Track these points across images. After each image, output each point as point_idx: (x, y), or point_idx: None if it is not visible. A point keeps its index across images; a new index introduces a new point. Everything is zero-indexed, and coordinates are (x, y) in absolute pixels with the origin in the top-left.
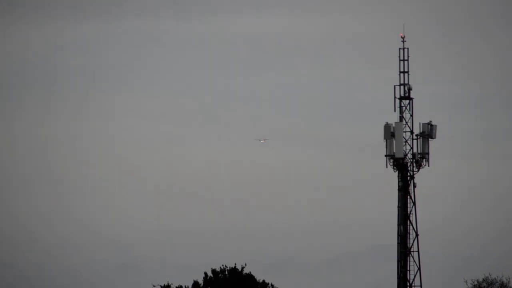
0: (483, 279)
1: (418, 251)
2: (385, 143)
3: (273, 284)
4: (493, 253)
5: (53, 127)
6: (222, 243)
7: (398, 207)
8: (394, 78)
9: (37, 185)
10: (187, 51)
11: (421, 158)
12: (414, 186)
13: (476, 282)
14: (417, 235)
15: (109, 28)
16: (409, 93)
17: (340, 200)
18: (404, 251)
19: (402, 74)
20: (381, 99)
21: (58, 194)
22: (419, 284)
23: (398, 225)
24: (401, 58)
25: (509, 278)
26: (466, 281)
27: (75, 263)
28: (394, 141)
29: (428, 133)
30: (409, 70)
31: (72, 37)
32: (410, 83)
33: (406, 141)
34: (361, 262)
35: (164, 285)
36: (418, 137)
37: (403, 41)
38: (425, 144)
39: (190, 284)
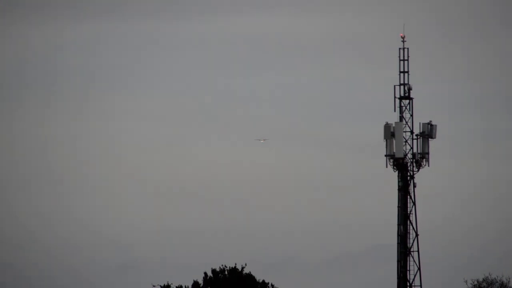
0: (483, 279)
1: (418, 251)
2: (385, 143)
3: (273, 284)
4: (493, 253)
5: (53, 127)
6: (222, 243)
7: (398, 207)
8: (394, 78)
9: (37, 185)
10: (187, 51)
11: (421, 158)
12: (414, 186)
13: (476, 282)
14: (417, 235)
15: (109, 28)
16: (409, 93)
17: (340, 200)
18: (404, 251)
19: (402, 74)
20: (381, 99)
21: (58, 194)
22: (419, 284)
23: (398, 225)
24: (401, 58)
25: (509, 278)
26: (466, 281)
27: (75, 263)
28: (394, 141)
29: (428, 133)
30: (409, 70)
31: (72, 37)
32: (410, 83)
33: (406, 141)
34: (361, 262)
35: (164, 285)
36: (418, 137)
37: (403, 41)
38: (425, 144)
39: (190, 284)
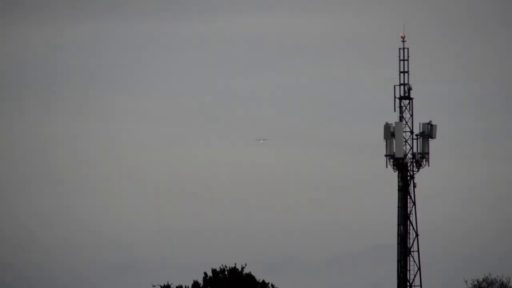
0: (483, 279)
1: (418, 251)
2: (385, 143)
3: (273, 284)
4: (493, 253)
5: (53, 127)
6: (222, 243)
7: (398, 207)
8: (394, 78)
9: (37, 185)
10: (187, 51)
11: (421, 158)
12: (414, 186)
13: (476, 282)
14: (417, 235)
15: (109, 28)
16: (409, 93)
17: (340, 200)
18: (404, 251)
19: (402, 74)
20: (381, 99)
21: (58, 194)
22: (419, 284)
23: (398, 225)
24: (401, 58)
25: (509, 278)
26: (466, 281)
27: (75, 263)
28: (394, 141)
29: (428, 133)
30: (409, 70)
31: (72, 37)
32: (410, 83)
33: (406, 141)
34: (361, 262)
35: (164, 285)
36: (418, 137)
37: (403, 41)
38: (425, 144)
39: (190, 284)
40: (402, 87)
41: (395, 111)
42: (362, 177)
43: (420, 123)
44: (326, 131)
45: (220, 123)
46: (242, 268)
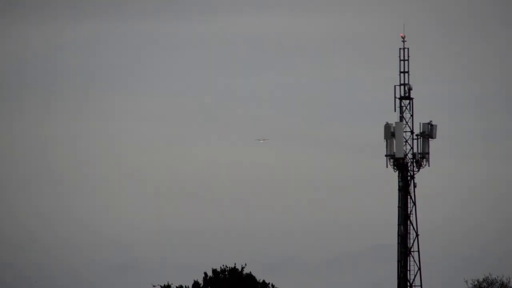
0: (483, 279)
1: (418, 251)
2: (385, 143)
3: (273, 284)
4: (493, 253)
5: (53, 127)
6: (222, 243)
7: (398, 207)
8: (394, 78)
9: (37, 185)
10: (187, 51)
11: (421, 158)
12: (414, 186)
13: (476, 282)
14: (417, 235)
15: (109, 28)
16: (409, 93)
17: (340, 200)
18: (404, 251)
19: (402, 74)
20: (381, 99)
21: (58, 194)
22: (419, 284)
23: (398, 225)
24: (401, 58)
25: (509, 278)
26: (466, 281)
27: (75, 263)
28: (394, 141)
29: (428, 133)
30: (409, 70)
31: (72, 37)
32: (410, 83)
33: (406, 141)
34: (361, 262)
35: (164, 285)
36: (418, 137)
37: (403, 41)
38: (425, 144)
39: (190, 284)
40: (402, 87)
41: (395, 111)
42: (362, 177)
43: (420, 123)
44: (326, 131)
45: (220, 123)
46: (242, 268)
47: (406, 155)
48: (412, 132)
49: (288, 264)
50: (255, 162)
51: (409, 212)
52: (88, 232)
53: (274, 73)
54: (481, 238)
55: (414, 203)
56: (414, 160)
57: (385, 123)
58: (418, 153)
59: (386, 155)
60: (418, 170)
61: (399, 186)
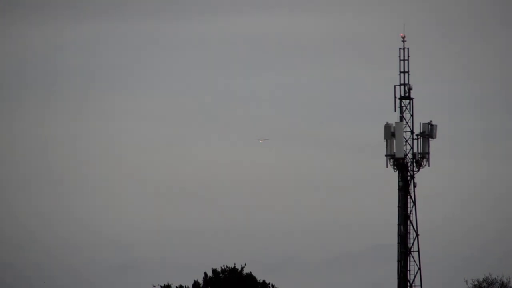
0: (483, 279)
1: (418, 251)
2: (385, 143)
3: (273, 284)
4: (493, 253)
5: (53, 127)
6: (222, 243)
7: (398, 207)
8: (394, 78)
9: (37, 185)
10: (187, 51)
11: (421, 158)
12: (414, 186)
13: (476, 282)
14: (417, 235)
15: (109, 28)
16: (409, 93)
17: (340, 200)
18: (404, 251)
19: (402, 74)
20: (381, 99)
21: (58, 194)
22: (419, 284)
23: (398, 225)
24: (401, 58)
25: (509, 278)
26: (466, 281)
27: (75, 263)
28: (394, 141)
29: (428, 133)
30: (409, 70)
31: (72, 37)
32: (410, 83)
33: (406, 141)
34: (361, 262)
35: (164, 285)
36: (418, 137)
37: (403, 41)
38: (425, 144)
39: (190, 284)
40: (402, 87)
41: (395, 111)
42: (362, 177)
43: (420, 123)
44: (326, 131)
45: (220, 123)
46: (242, 268)
47: (406, 155)
48: (412, 132)
49: (288, 264)
50: (255, 162)
51: (409, 212)
52: (88, 232)
53: (274, 73)
54: (481, 238)
55: (414, 203)
56: (414, 160)
57: (385, 123)
58: (418, 153)
59: (386, 155)
60: (418, 170)
61: (399, 186)
